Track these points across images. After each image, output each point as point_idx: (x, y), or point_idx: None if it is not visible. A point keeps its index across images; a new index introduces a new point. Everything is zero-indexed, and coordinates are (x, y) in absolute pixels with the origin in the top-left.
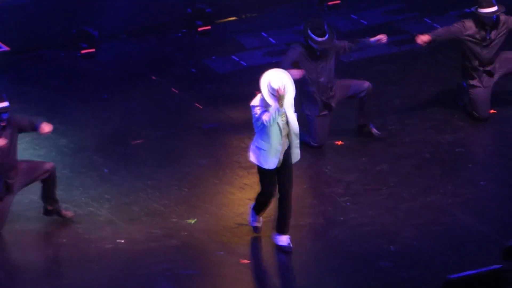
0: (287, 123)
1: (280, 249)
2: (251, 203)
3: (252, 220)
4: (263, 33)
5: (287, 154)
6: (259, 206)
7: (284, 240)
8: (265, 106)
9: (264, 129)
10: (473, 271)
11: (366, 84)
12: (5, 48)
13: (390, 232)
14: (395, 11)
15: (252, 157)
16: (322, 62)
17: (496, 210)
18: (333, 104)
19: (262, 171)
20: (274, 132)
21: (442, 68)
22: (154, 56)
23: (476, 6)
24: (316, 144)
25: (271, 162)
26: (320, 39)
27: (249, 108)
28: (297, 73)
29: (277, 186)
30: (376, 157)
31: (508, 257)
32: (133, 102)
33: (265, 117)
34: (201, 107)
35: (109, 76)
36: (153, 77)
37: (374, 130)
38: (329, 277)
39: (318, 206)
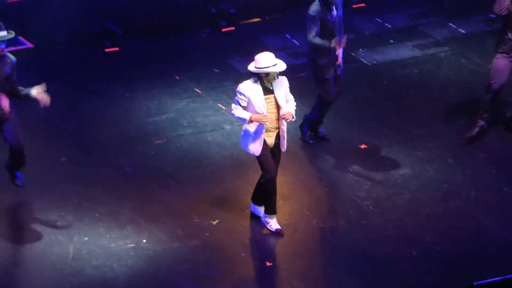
0: None
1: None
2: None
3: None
4: (287, 35)
5: None
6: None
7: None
8: None
9: None
10: (498, 278)
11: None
12: (29, 44)
13: (412, 236)
14: (419, 15)
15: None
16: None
17: None
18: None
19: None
20: None
21: (465, 73)
22: (177, 55)
23: None
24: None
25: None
26: None
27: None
28: None
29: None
30: (399, 161)
31: None
32: (155, 101)
33: None
34: (224, 107)
35: (131, 74)
36: (177, 77)
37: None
38: (350, 280)
39: (340, 209)
